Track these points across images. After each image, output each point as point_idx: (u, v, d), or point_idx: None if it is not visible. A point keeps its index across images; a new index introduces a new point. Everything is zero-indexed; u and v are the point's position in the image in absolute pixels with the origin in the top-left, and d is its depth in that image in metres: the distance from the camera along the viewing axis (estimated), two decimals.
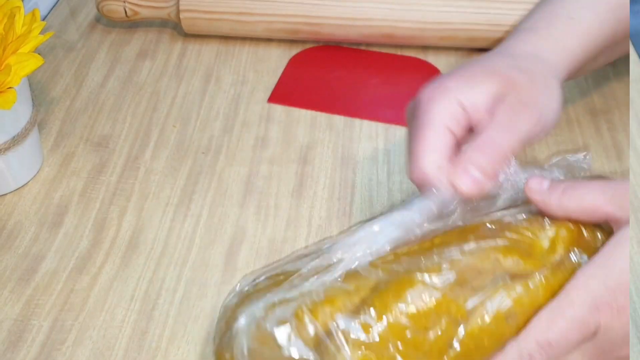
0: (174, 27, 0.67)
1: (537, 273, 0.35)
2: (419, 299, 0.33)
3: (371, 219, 0.36)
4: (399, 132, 0.55)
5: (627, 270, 0.33)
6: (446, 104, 0.37)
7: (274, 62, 0.62)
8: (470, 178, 0.35)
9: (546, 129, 0.39)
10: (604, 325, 0.33)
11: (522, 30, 0.45)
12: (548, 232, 0.36)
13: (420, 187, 0.37)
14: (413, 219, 0.36)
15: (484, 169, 0.36)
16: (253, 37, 0.64)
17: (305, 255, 0.37)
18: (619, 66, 0.60)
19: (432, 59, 0.62)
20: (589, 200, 0.35)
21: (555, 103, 0.40)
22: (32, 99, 0.51)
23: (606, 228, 0.37)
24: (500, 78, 0.38)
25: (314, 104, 0.58)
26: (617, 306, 0.32)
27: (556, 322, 0.32)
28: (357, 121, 0.56)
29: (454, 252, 0.35)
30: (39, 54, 0.47)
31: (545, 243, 0.36)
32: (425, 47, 0.63)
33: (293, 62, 0.62)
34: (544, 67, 0.41)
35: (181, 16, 0.62)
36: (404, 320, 0.33)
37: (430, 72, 0.61)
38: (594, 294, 0.33)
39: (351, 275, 0.35)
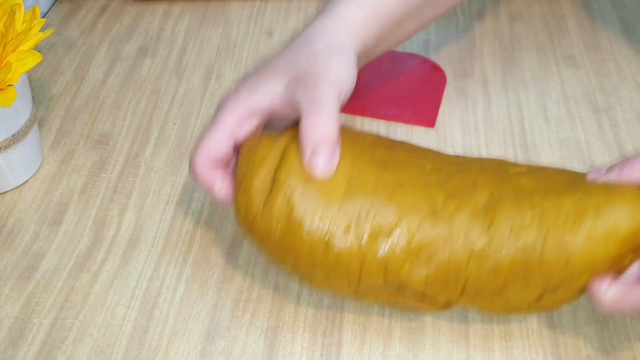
0: None
1: None
2: None
3: None
4: (400, 129, 0.55)
5: None
6: (233, 110, 0.41)
7: None
8: (315, 165, 0.38)
9: (346, 93, 0.41)
10: None
11: (319, 12, 0.45)
12: None
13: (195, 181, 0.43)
14: None
15: (318, 150, 0.38)
16: None
17: None
18: (621, 63, 0.60)
19: (434, 55, 0.62)
20: None
21: (346, 68, 0.41)
22: (32, 97, 0.51)
23: None
24: (284, 75, 0.41)
25: None
26: None
27: None
28: (358, 118, 0.56)
29: None
30: (39, 51, 0.47)
31: None
32: (427, 43, 0.63)
33: None
34: (333, 46, 0.42)
35: None
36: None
37: (431, 69, 0.61)
38: None
39: None
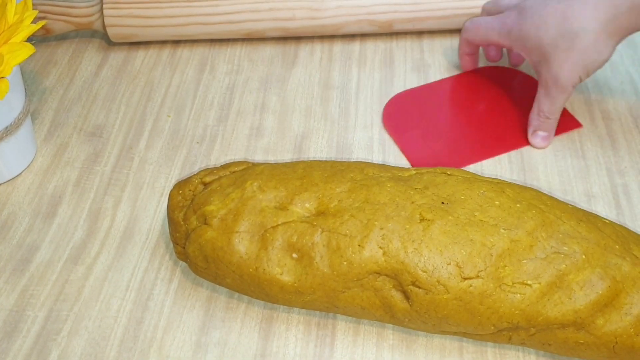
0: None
1: None
2: None
3: None
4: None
5: None
6: None
7: (269, 51, 0.62)
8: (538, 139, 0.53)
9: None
10: None
11: None
12: None
13: None
14: None
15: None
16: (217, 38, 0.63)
17: None
18: (613, 55, 0.60)
19: (427, 46, 0.62)
20: None
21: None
22: (25, 89, 0.51)
23: None
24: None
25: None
26: None
27: None
28: (352, 110, 0.56)
29: None
30: (31, 43, 0.47)
31: None
32: (420, 33, 0.63)
33: None
34: None
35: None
36: None
37: (523, 79, 0.58)
38: None
39: None
